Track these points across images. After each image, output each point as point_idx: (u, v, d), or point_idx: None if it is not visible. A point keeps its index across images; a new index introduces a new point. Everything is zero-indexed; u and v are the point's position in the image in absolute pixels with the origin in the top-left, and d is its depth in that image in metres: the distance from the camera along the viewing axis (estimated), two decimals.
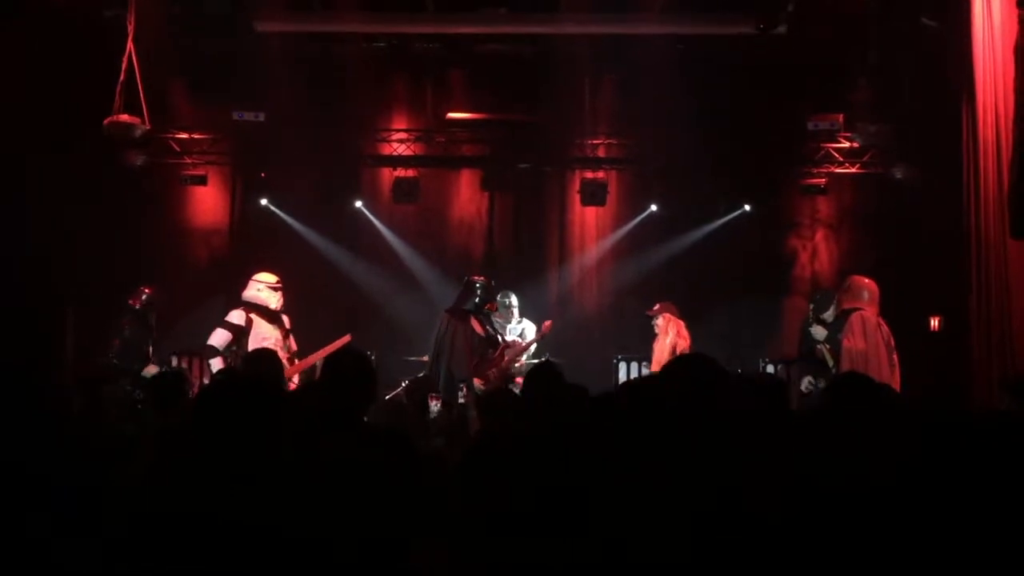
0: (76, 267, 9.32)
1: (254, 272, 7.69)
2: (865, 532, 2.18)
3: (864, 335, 6.59)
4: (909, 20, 8.91)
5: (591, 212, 11.13)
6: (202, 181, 10.82)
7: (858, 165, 10.61)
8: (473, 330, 7.81)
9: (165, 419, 4.16)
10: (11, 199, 8.18)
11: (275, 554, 2.22)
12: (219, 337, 7.31)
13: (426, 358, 8.58)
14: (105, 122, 7.89)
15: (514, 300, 9.21)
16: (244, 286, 7.61)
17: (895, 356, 6.69)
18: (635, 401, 3.42)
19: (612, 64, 10.50)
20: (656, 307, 8.44)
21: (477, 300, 7.92)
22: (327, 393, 3.36)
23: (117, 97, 7.96)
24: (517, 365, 8.34)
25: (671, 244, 10.74)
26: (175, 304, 9.14)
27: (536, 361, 8.22)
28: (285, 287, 7.61)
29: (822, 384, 6.78)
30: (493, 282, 8.26)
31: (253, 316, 7.40)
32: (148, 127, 8.16)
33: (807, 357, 7.33)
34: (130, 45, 7.96)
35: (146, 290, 8.18)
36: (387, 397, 8.61)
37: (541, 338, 8.54)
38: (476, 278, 8.14)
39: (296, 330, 7.71)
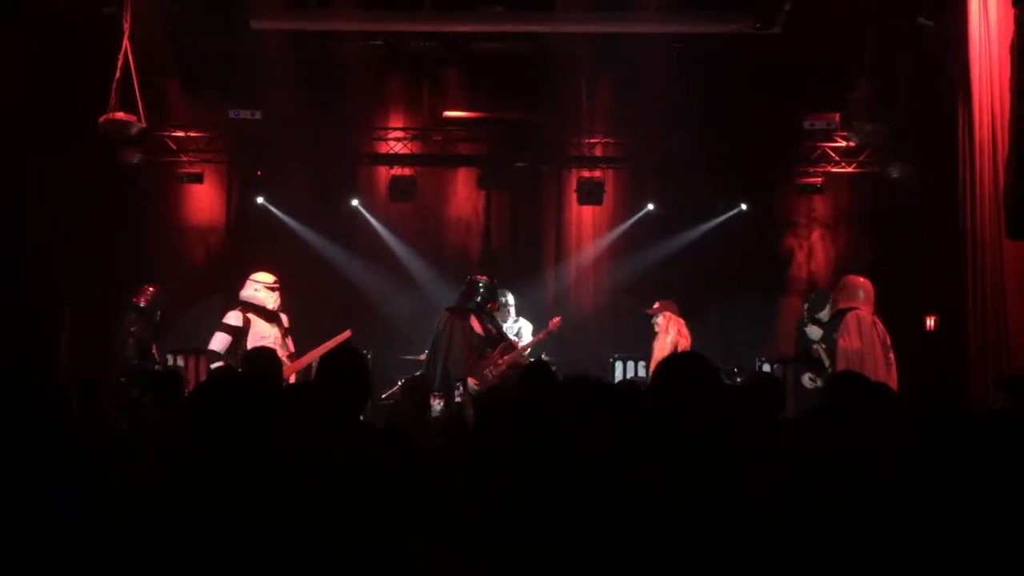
0: (75, 267, 9.31)
1: (252, 271, 7.69)
2: (864, 532, 2.18)
3: (860, 334, 6.60)
4: (906, 20, 8.91)
5: (588, 211, 11.13)
6: (198, 179, 10.81)
7: (854, 164, 10.63)
8: (472, 328, 7.81)
9: (165, 418, 4.16)
10: (11, 199, 8.16)
11: (275, 554, 2.22)
12: (219, 341, 7.31)
13: (422, 356, 8.58)
14: (101, 120, 7.89)
15: (511, 299, 9.20)
16: (242, 285, 7.61)
17: (891, 355, 6.70)
18: (631, 400, 3.43)
19: (609, 63, 10.50)
20: (656, 305, 8.38)
21: (479, 299, 7.94)
22: (323, 391, 3.36)
23: (113, 95, 7.96)
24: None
25: (668, 243, 10.74)
26: (171, 303, 9.12)
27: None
28: (282, 286, 7.61)
29: (820, 383, 6.80)
30: (496, 281, 8.26)
31: (251, 316, 7.40)
32: (144, 125, 8.16)
33: (803, 357, 7.35)
34: (126, 43, 7.96)
35: (150, 288, 8.17)
36: (383, 396, 8.62)
37: (547, 335, 8.47)
38: (479, 277, 8.15)
39: (292, 329, 7.71)
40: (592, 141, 10.95)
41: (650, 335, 8.44)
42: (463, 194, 11.37)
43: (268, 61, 9.88)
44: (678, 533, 2.15)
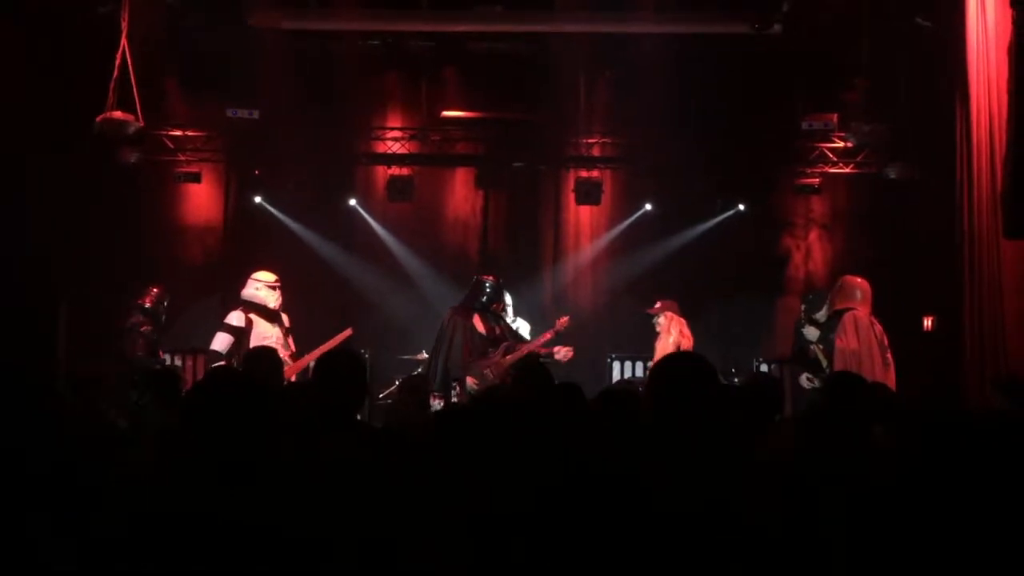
0: (75, 266, 9.30)
1: (252, 271, 7.69)
2: (864, 532, 2.19)
3: (857, 335, 6.61)
4: (904, 20, 8.93)
5: (585, 211, 11.13)
6: (196, 179, 10.79)
7: (852, 165, 10.64)
8: (474, 327, 7.81)
9: (165, 417, 4.16)
10: (11, 199, 8.15)
11: (273, 553, 2.22)
12: (221, 341, 7.30)
13: (420, 356, 8.57)
14: (98, 119, 7.88)
15: (508, 299, 9.20)
16: (243, 284, 7.61)
17: (889, 355, 6.71)
18: (628, 402, 3.43)
19: (607, 63, 10.50)
20: (657, 305, 8.29)
21: (484, 299, 7.94)
22: (320, 391, 3.36)
23: (110, 94, 7.95)
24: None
25: (665, 243, 10.73)
26: (169, 302, 9.12)
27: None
28: (280, 286, 7.60)
29: (818, 384, 6.81)
30: (502, 282, 8.26)
31: (252, 316, 7.39)
32: (141, 124, 8.15)
33: (800, 357, 7.36)
34: (124, 42, 7.95)
35: (155, 289, 8.17)
36: (381, 395, 8.62)
37: (555, 335, 8.40)
38: (485, 277, 8.16)
39: (291, 328, 7.70)
40: (590, 141, 10.95)
41: (649, 335, 8.39)
42: (461, 194, 11.36)
43: (266, 60, 9.88)
44: (676, 533, 2.16)
